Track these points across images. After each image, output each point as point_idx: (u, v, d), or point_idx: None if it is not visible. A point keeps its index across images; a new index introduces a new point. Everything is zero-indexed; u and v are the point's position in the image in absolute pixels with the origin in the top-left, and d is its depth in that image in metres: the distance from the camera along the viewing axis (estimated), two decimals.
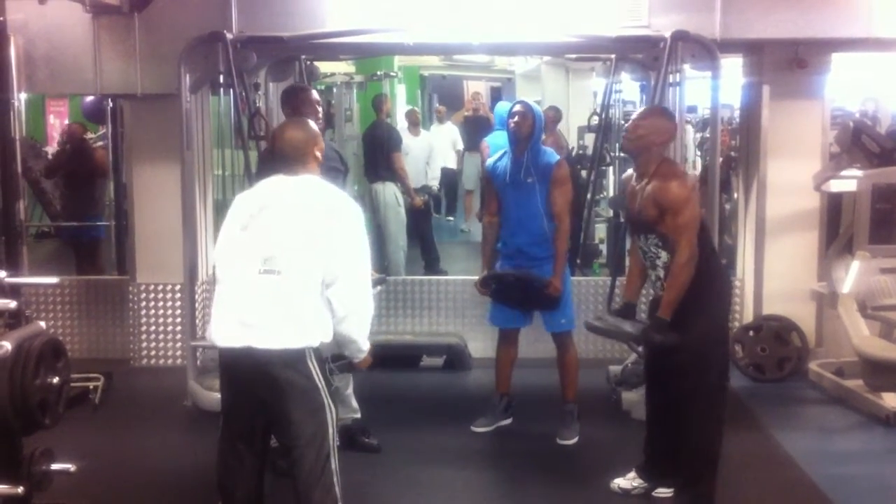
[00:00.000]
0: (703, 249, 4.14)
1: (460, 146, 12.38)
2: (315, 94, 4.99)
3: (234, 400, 3.48)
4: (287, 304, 3.31)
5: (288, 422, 3.36)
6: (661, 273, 4.18)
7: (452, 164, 12.00)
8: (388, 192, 8.60)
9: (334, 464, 3.41)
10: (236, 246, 3.43)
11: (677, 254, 4.05)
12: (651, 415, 4.47)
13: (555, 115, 9.17)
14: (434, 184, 10.49)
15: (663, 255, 4.15)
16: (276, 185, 3.50)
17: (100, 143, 9.02)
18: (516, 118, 5.17)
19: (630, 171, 4.43)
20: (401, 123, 11.02)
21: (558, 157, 5.28)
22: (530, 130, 5.16)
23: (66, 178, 8.69)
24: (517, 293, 5.20)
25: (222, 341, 3.37)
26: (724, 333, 4.33)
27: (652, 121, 4.24)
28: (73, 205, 8.65)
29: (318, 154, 3.55)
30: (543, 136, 5.41)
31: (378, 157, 8.70)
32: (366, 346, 3.55)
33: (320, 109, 4.92)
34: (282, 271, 3.31)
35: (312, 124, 3.66)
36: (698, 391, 4.13)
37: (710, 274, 4.16)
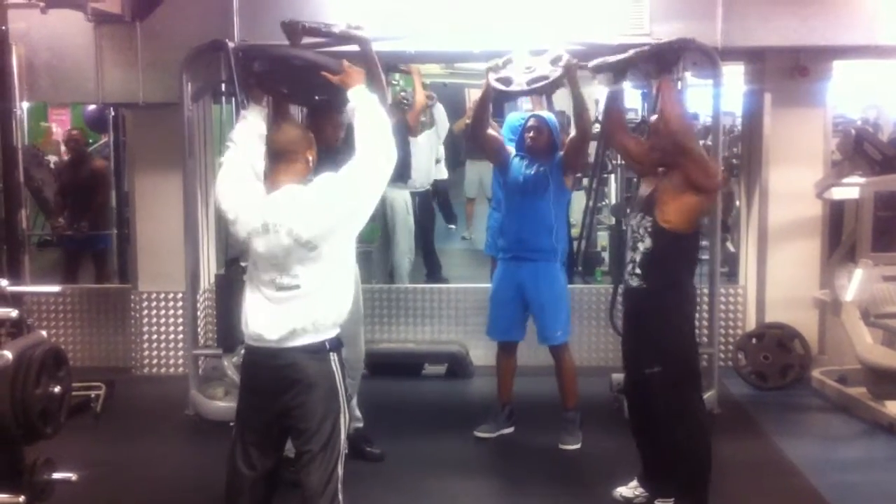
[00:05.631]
0: (686, 259, 4.18)
1: (441, 154, 12.24)
2: (339, 118, 4.80)
3: (251, 408, 3.47)
4: (312, 305, 3.33)
5: (305, 427, 3.35)
6: (637, 258, 4.22)
7: (442, 174, 11.66)
8: (399, 198, 8.56)
9: (341, 471, 3.40)
10: (250, 260, 3.45)
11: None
12: (634, 430, 4.49)
13: (562, 121, 9.05)
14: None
15: (648, 241, 4.18)
16: (257, 206, 3.38)
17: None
18: (532, 133, 5.16)
19: None
20: None
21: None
22: (548, 145, 5.14)
23: (68, 187, 8.54)
24: None
25: (255, 331, 3.38)
26: (693, 346, 4.37)
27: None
28: (78, 214, 8.53)
29: (310, 159, 3.47)
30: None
31: None
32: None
33: (341, 134, 4.75)
34: (300, 284, 3.32)
35: (311, 135, 3.56)
36: (675, 404, 4.16)
37: (683, 285, 4.22)
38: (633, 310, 4.37)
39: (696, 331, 4.66)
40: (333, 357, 3.39)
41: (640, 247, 4.21)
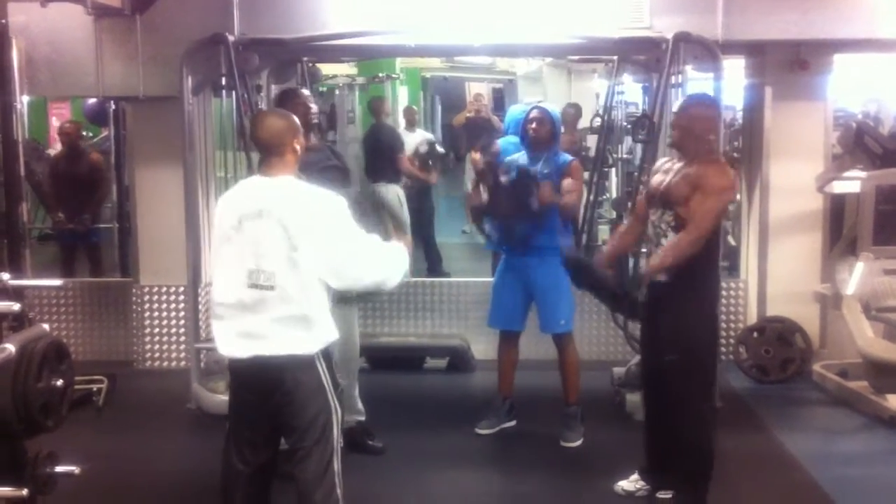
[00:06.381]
0: (709, 250, 4.16)
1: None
2: (305, 96, 4.88)
3: (242, 406, 3.48)
4: (287, 315, 3.30)
5: (295, 424, 3.36)
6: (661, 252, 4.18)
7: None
8: (391, 193, 8.58)
9: (337, 465, 3.41)
10: (224, 259, 3.42)
11: (687, 230, 4.02)
12: (648, 418, 4.49)
13: (575, 112, 9.11)
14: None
15: (671, 236, 4.12)
16: (253, 193, 3.42)
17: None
18: (534, 124, 5.16)
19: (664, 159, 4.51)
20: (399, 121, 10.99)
21: (573, 157, 5.31)
22: (549, 136, 5.16)
23: (63, 180, 8.42)
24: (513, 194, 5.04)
25: (229, 352, 3.39)
26: (710, 341, 4.34)
27: (692, 110, 4.23)
28: (73, 208, 8.42)
29: (297, 147, 3.45)
30: (562, 136, 5.38)
31: (380, 159, 8.69)
32: (396, 274, 3.54)
33: (313, 108, 4.81)
34: (274, 286, 3.30)
35: (296, 118, 3.55)
36: (689, 394, 4.15)
37: (706, 277, 4.19)
38: (655, 302, 4.28)
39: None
40: (318, 355, 3.36)
41: (664, 242, 4.16)
